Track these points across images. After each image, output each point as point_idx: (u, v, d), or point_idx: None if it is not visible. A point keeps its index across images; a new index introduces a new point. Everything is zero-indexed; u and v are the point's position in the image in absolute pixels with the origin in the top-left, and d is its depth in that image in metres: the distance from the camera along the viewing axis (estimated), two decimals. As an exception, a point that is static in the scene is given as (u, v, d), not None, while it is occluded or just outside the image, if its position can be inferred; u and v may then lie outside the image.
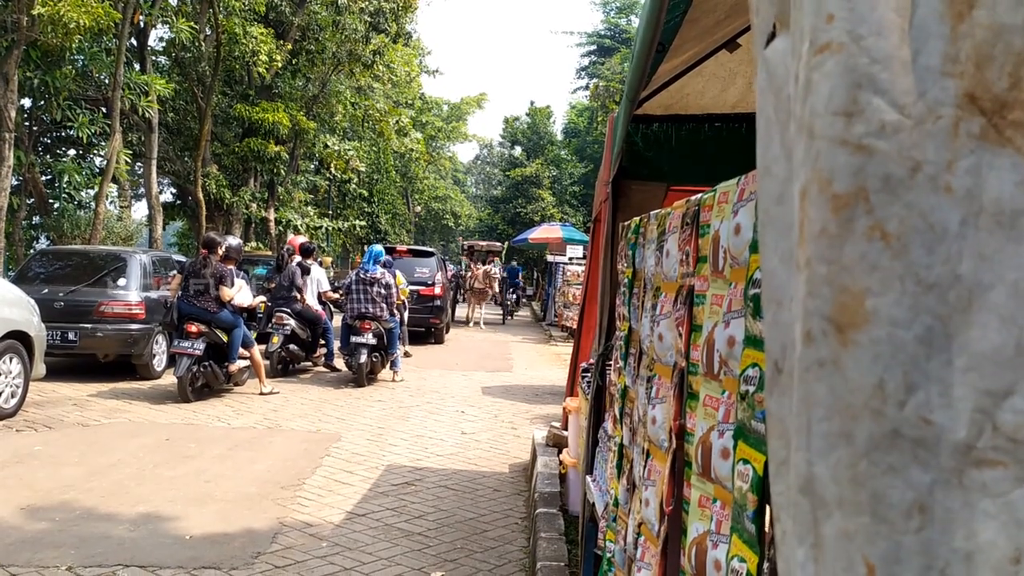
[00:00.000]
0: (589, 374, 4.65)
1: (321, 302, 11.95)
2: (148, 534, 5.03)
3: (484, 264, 23.38)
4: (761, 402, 1.15)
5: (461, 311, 24.35)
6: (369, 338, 10.74)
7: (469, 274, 22.83)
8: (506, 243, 30.08)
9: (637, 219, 2.21)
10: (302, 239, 12.72)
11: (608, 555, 2.26)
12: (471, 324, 22.14)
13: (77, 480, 6.03)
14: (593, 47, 44.15)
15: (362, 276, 11.06)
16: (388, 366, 11.49)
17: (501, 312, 25.40)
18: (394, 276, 11.82)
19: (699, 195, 1.56)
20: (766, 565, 1.09)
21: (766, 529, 1.14)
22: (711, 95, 3.68)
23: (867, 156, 0.53)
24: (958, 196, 0.52)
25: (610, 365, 3.49)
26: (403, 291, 13.44)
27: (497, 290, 23.78)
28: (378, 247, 11.54)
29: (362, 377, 10.77)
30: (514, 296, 27.58)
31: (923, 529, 0.50)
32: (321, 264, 13.44)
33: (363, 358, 10.70)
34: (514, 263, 33.70)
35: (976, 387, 0.51)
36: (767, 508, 1.12)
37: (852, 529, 0.50)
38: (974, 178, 0.52)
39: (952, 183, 0.52)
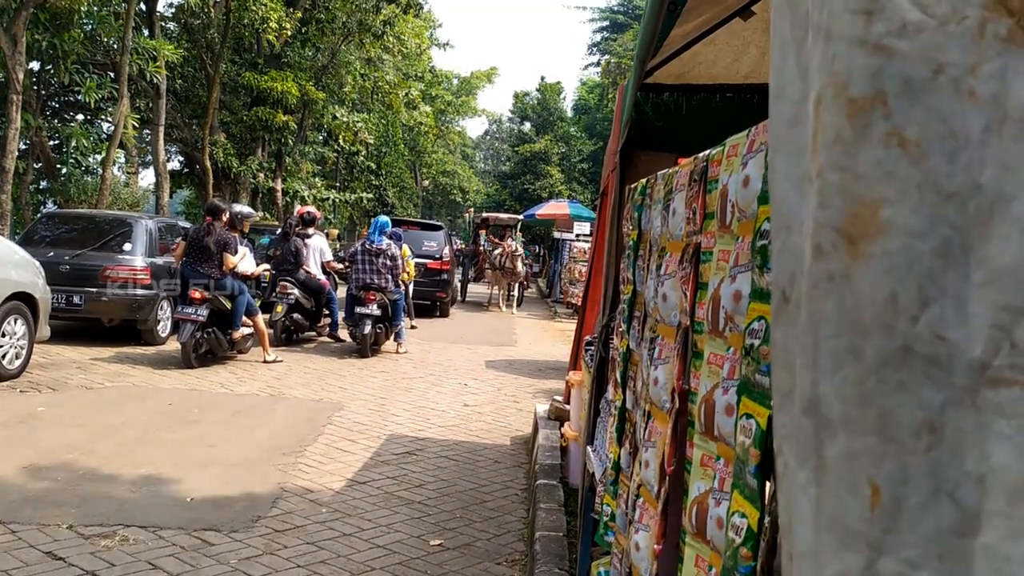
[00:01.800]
0: (592, 347, 4.64)
1: (325, 272, 11.95)
2: (150, 496, 5.05)
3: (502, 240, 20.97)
4: (766, 355, 1.13)
5: (476, 290, 22.92)
6: (374, 309, 10.75)
7: (499, 251, 19.61)
8: (522, 217, 26.23)
9: (644, 181, 2.17)
10: (310, 208, 12.69)
11: (606, 518, 2.25)
12: (500, 306, 20.04)
13: (80, 441, 6.05)
14: (606, 23, 43.82)
15: (368, 247, 11.03)
16: (392, 338, 11.53)
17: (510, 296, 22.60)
18: (401, 249, 11.94)
19: (708, 151, 1.53)
20: (767, 519, 1.08)
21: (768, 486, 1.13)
22: (723, 65, 3.63)
23: (886, 58, 0.50)
24: (982, 101, 0.49)
25: (614, 335, 3.48)
26: (408, 263, 13.48)
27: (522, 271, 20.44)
28: (384, 218, 11.55)
29: (366, 348, 10.80)
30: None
31: (932, 450, 0.47)
32: (328, 236, 13.45)
33: (367, 329, 10.72)
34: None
35: (994, 303, 0.48)
36: (769, 464, 1.11)
37: (858, 449, 0.48)
38: (999, 83, 0.49)
39: (976, 88, 0.49)
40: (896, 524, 0.47)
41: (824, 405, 0.50)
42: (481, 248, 21.47)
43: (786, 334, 0.58)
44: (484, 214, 26.37)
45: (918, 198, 0.49)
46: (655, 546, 1.58)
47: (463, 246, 25.23)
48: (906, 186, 0.49)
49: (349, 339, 11.45)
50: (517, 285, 21.06)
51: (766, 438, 1.09)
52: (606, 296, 3.68)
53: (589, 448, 3.47)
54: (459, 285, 21.10)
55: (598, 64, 41.83)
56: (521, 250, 19.82)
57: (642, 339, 1.94)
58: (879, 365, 0.48)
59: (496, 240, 21.00)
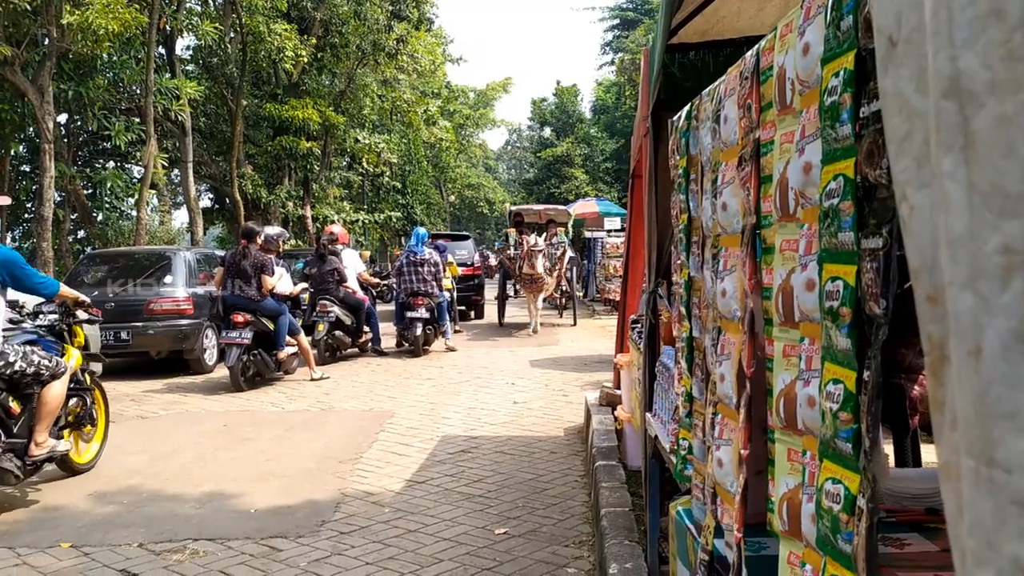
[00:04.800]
0: (639, 323, 4.60)
1: (364, 288, 12.08)
2: (214, 510, 5.09)
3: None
4: (847, 210, 1.10)
5: (514, 311, 17.67)
6: (422, 312, 11.69)
7: (519, 253, 14.76)
8: (573, 209, 20.63)
9: (688, 106, 2.16)
10: (334, 228, 13.03)
11: (683, 452, 2.23)
12: (531, 330, 14.64)
13: (141, 467, 6.12)
14: (616, 21, 43.81)
15: (411, 258, 11.98)
16: (441, 336, 12.42)
17: (559, 308, 17.84)
18: (445, 259, 13.16)
19: (757, 45, 1.51)
20: (866, 374, 1.04)
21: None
22: (747, 16, 3.58)
23: None
24: None
25: (661, 298, 3.44)
26: (452, 268, 14.64)
27: (558, 278, 15.68)
28: (422, 230, 12.66)
29: (418, 348, 11.73)
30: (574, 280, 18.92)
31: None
32: (360, 258, 13.65)
33: (418, 331, 11.67)
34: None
35: None
36: (861, 320, 1.07)
37: (1009, 111, 0.45)
38: None
39: None
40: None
41: (966, 79, 0.47)
42: (509, 254, 15.36)
43: (897, 78, 0.55)
44: (516, 207, 19.82)
45: None
46: (741, 451, 1.55)
47: (491, 254, 20.01)
48: None
49: (394, 347, 11.93)
50: (560, 295, 16.93)
51: (855, 294, 1.06)
52: (649, 265, 3.65)
53: (648, 414, 3.43)
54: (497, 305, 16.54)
55: (612, 63, 41.85)
56: (541, 244, 14.33)
57: (703, 261, 1.91)
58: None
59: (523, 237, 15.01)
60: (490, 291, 19.14)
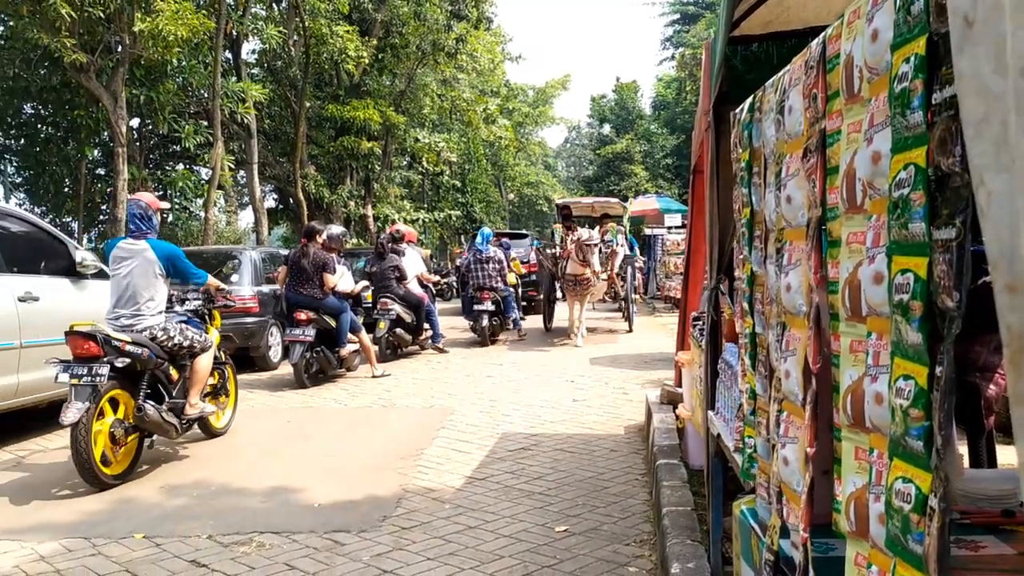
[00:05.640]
0: (701, 320, 4.54)
1: (423, 285, 12.20)
2: (279, 504, 5.19)
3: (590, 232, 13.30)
4: (918, 200, 1.06)
5: (562, 314, 14.67)
6: (488, 305, 12.66)
7: (560, 252, 13.43)
8: (629, 202, 18.57)
9: (750, 98, 2.12)
10: (399, 226, 13.31)
11: (748, 451, 2.19)
12: (573, 335, 12.98)
13: (209, 461, 6.28)
14: (677, 16, 43.40)
15: (478, 256, 12.95)
16: (511, 326, 13.43)
17: (621, 310, 15.59)
18: (509, 256, 13.90)
19: (823, 33, 1.48)
20: (938, 369, 1.01)
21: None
22: (813, 6, 3.50)
23: None
24: None
25: (723, 294, 3.39)
26: (516, 265, 15.21)
27: (609, 279, 13.90)
28: (487, 229, 13.60)
29: (486, 338, 12.79)
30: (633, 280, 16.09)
31: None
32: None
33: (485, 322, 12.73)
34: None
35: None
36: (932, 313, 1.04)
37: None
38: None
39: None
40: None
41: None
42: (554, 252, 14.04)
43: (973, 59, 0.53)
44: (563, 200, 18.14)
45: None
46: (808, 450, 1.52)
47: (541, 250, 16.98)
48: None
49: (448, 349, 12.07)
50: (614, 298, 15.15)
51: (927, 288, 1.03)
52: (711, 261, 3.59)
53: (711, 412, 3.38)
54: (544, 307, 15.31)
55: (672, 58, 41.43)
56: (595, 236, 12.64)
57: (766, 256, 1.87)
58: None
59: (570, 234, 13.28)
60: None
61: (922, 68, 1.08)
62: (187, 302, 6.82)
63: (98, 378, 5.51)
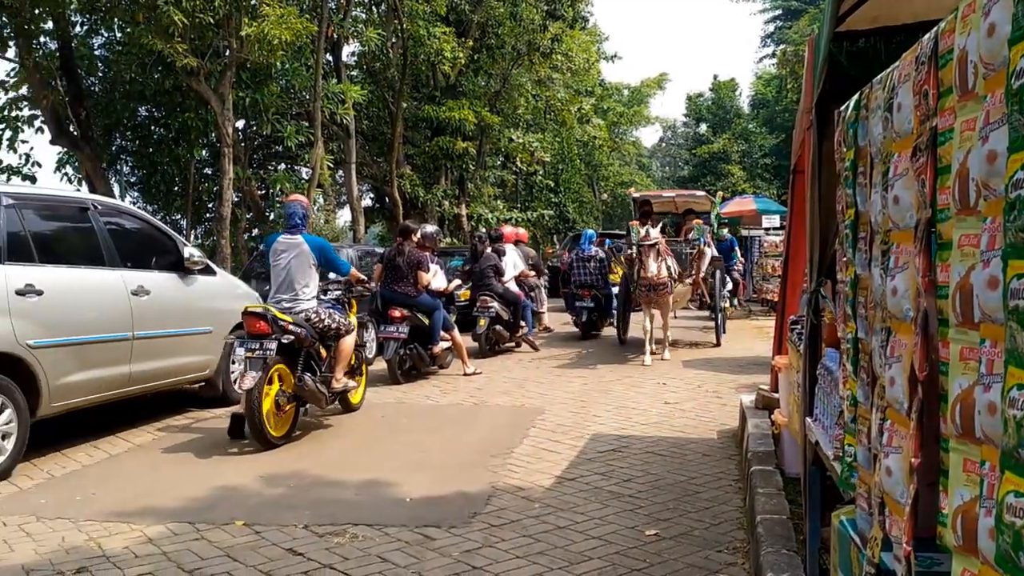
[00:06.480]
0: (799, 325, 4.43)
1: (520, 284, 12.56)
2: (372, 497, 5.30)
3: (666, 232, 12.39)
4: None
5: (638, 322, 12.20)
6: (588, 302, 13.21)
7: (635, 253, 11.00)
8: (718, 196, 15.89)
9: (856, 95, 2.05)
10: (510, 228, 14.74)
11: (848, 460, 2.12)
12: (646, 355, 10.91)
13: (305, 453, 6.47)
14: (778, 12, 42.42)
15: (580, 255, 13.50)
16: (612, 323, 13.49)
17: (711, 318, 13.80)
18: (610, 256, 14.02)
19: (935, 27, 1.42)
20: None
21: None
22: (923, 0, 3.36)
23: None
24: None
25: (824, 298, 3.29)
26: (618, 267, 15.07)
27: (693, 285, 12.53)
28: (591, 231, 14.35)
29: (587, 332, 13.39)
30: (729, 286, 15.33)
31: None
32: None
33: (585, 317, 13.31)
34: (725, 232, 18.39)
35: None
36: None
37: None
38: None
39: None
40: None
41: None
42: (631, 252, 11.33)
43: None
44: (640, 194, 15.09)
45: None
46: (912, 460, 1.46)
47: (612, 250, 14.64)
48: None
49: (538, 349, 12.22)
50: (701, 306, 14.09)
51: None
52: (811, 263, 3.50)
53: (809, 419, 3.29)
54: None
55: (773, 55, 40.48)
56: (654, 234, 10.77)
57: (871, 258, 1.81)
58: None
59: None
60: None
61: (1043, 63, 1.03)
62: (329, 291, 7.80)
63: (268, 352, 6.42)
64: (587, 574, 4.02)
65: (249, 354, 6.43)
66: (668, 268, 11.05)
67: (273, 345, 6.46)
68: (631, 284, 11.60)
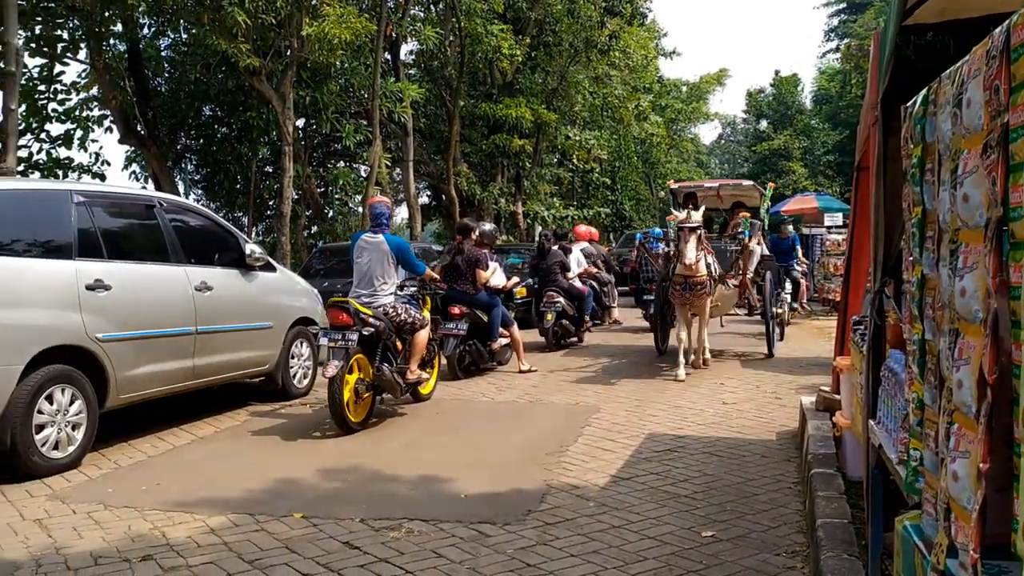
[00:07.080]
0: (862, 325, 4.32)
1: (593, 279, 13.33)
2: (427, 493, 5.34)
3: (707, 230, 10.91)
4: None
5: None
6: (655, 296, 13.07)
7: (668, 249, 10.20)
8: (769, 187, 13.39)
9: (924, 90, 1.99)
10: (584, 227, 15.53)
11: (914, 464, 2.06)
12: (679, 368, 9.47)
13: (364, 448, 6.54)
14: (842, 5, 41.50)
15: (649, 252, 12.99)
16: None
17: (763, 324, 11.40)
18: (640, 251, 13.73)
19: (1007, 20, 1.37)
20: None
21: None
22: (995, -10, 3.25)
23: None
24: None
25: (888, 298, 3.21)
26: None
27: (741, 286, 10.91)
28: (658, 229, 13.72)
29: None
30: (788, 288, 13.99)
31: None
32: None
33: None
34: (790, 228, 17.13)
35: None
36: None
37: None
38: None
39: None
40: None
41: None
42: (662, 250, 10.87)
43: None
44: (680, 183, 14.02)
45: None
46: (981, 465, 1.41)
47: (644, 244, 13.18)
48: None
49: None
50: (749, 311, 11.70)
51: None
52: (875, 262, 3.41)
53: (872, 422, 3.21)
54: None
55: (837, 50, 39.67)
56: (696, 217, 9.30)
57: (939, 257, 1.76)
58: None
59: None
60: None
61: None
62: (406, 288, 8.13)
63: (349, 342, 6.79)
64: (642, 574, 3.99)
65: (332, 344, 6.79)
66: (708, 265, 9.48)
67: (355, 336, 6.81)
68: (665, 283, 10.06)
